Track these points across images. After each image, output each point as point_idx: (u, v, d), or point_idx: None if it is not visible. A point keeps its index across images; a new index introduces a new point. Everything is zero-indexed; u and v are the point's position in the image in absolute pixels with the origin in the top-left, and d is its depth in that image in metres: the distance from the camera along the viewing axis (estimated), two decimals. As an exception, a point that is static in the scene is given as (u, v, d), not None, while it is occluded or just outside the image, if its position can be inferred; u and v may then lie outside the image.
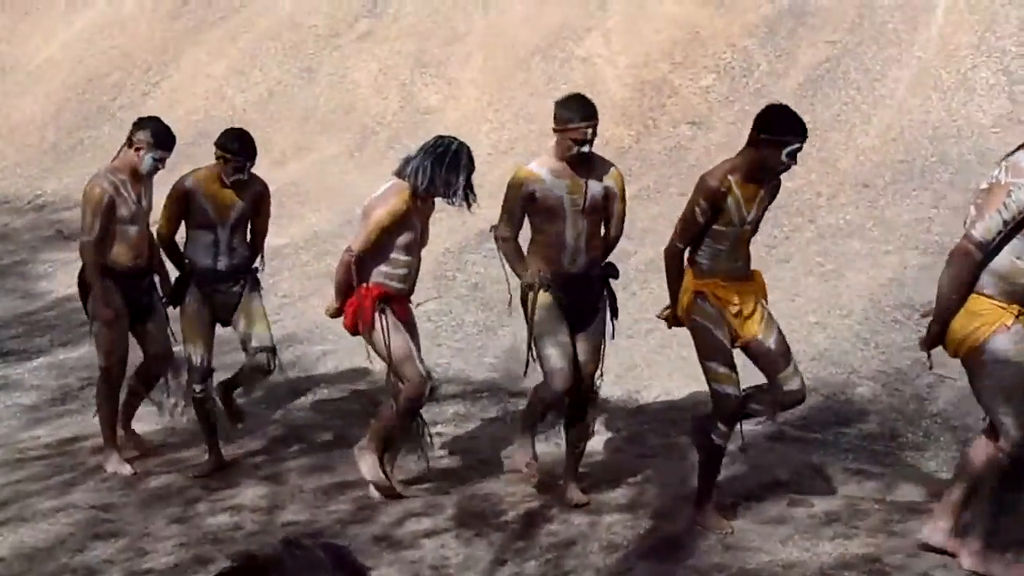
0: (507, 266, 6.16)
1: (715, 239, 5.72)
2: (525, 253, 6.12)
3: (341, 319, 6.35)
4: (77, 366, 8.89)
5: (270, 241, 11.27)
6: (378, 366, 6.53)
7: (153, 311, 6.86)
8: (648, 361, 8.05)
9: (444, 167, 6.01)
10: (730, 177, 5.66)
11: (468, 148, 6.13)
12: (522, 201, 5.97)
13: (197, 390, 6.67)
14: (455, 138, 6.21)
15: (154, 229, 6.85)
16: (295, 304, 9.89)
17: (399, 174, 6.12)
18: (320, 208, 11.85)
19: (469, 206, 6.17)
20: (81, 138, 15.24)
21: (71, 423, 7.70)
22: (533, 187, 5.94)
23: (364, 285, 6.09)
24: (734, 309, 5.75)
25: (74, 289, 10.99)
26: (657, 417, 7.44)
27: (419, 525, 5.85)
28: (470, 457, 6.96)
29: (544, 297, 6.00)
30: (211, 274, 6.66)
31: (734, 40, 11.94)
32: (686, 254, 5.84)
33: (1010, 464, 5.08)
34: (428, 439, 6.48)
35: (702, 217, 5.67)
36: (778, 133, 5.61)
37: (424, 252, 10.32)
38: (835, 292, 8.65)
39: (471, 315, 9.14)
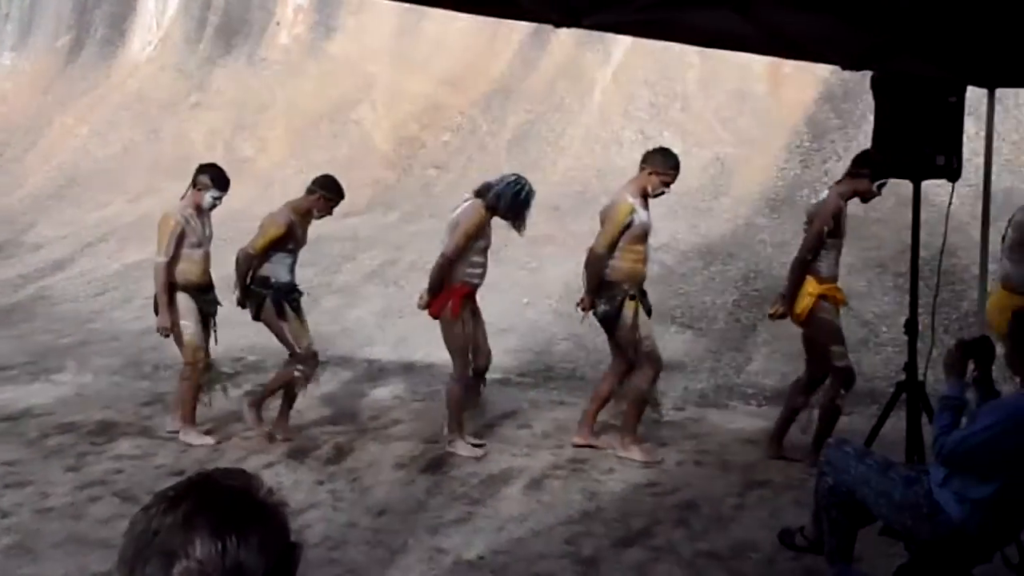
0: (590, 278, 5.60)
1: (829, 250, 5.37)
2: (601, 269, 5.56)
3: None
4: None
5: (133, 258, 10.75)
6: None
7: (211, 319, 6.15)
8: (416, 334, 8.01)
9: (519, 201, 5.57)
10: (842, 201, 5.33)
11: (534, 191, 5.69)
12: (624, 228, 5.46)
13: (301, 369, 5.95)
14: (527, 181, 5.68)
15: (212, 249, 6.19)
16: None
17: (478, 195, 5.62)
18: (168, 233, 11.31)
19: (521, 231, 5.74)
20: (-24, 183, 14.12)
21: (-21, 399, 7.11)
22: (633, 216, 5.47)
23: (454, 284, 5.59)
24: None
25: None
26: (423, 373, 7.42)
27: (259, 460, 5.63)
28: (295, 408, 6.77)
29: (635, 304, 5.55)
30: (289, 286, 6.00)
31: (463, 109, 12.02)
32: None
33: None
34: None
35: (827, 234, 5.28)
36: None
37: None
38: (539, 281, 8.81)
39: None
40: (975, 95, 4.76)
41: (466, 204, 5.69)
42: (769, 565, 4.26)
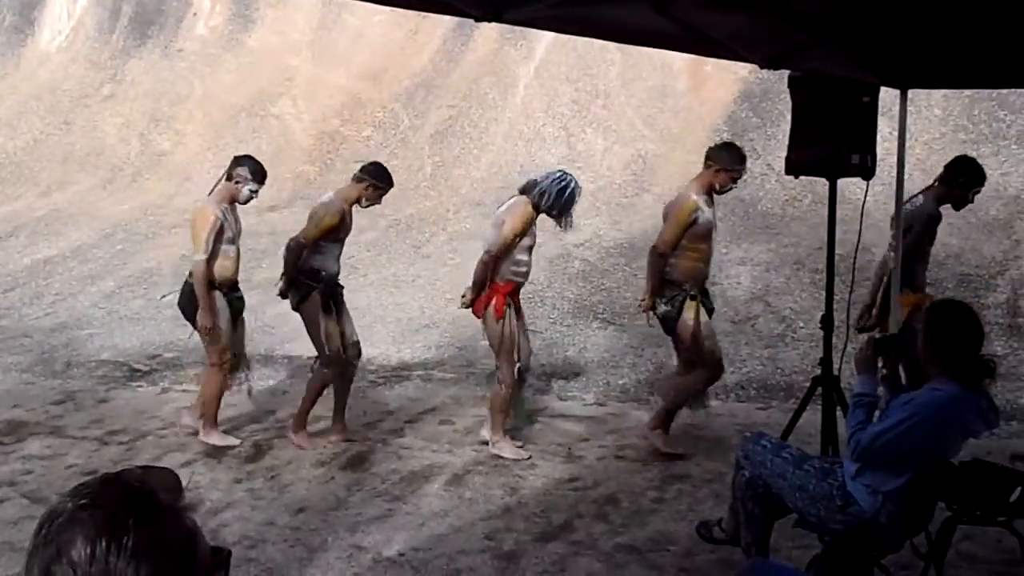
0: (651, 276, 5.43)
1: (925, 259, 5.23)
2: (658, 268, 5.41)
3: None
4: None
5: (43, 253, 10.43)
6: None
7: (240, 317, 5.88)
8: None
9: (565, 197, 5.35)
10: (937, 207, 5.19)
11: (580, 186, 5.47)
12: (687, 225, 5.32)
13: (332, 373, 5.76)
14: (573, 176, 5.46)
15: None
16: (66, 299, 9.16)
17: (524, 191, 5.43)
18: (80, 227, 11.01)
19: (566, 228, 5.58)
20: None
21: None
22: (697, 214, 5.33)
23: (497, 282, 5.42)
24: None
25: None
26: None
27: (175, 459, 5.51)
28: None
29: (696, 304, 5.42)
30: (335, 279, 5.74)
31: (385, 104, 11.93)
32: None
33: None
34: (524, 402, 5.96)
35: (926, 241, 5.14)
36: (974, 178, 5.28)
37: (164, 257, 9.87)
38: (462, 278, 8.66)
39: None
40: (888, 96, 4.86)
41: (511, 201, 5.53)
42: (687, 557, 4.31)
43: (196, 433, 5.87)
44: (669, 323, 5.49)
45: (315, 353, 5.86)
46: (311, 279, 5.67)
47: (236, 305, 5.82)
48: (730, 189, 5.55)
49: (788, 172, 4.74)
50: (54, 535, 1.16)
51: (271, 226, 10.29)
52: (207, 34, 13.92)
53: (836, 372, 4.71)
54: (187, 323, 5.81)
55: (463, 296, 5.64)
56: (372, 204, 5.85)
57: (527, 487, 5.15)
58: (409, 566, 4.25)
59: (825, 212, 4.78)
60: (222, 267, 5.65)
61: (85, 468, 5.38)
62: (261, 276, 9.25)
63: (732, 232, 9.06)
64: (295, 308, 5.79)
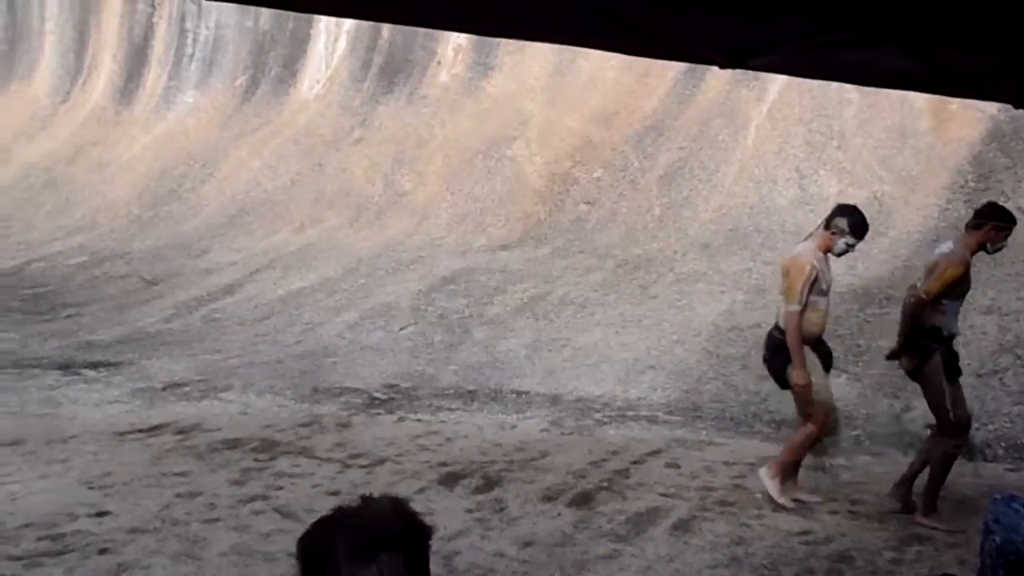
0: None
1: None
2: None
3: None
4: (159, 374, 8.68)
5: (295, 285, 11.18)
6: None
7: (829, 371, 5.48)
8: (564, 368, 8.01)
9: None
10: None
11: None
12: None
13: (955, 444, 5.18)
14: None
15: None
16: (314, 328, 9.75)
17: None
18: (328, 262, 11.72)
19: None
20: (157, 212, 15.03)
21: (155, 414, 7.49)
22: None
23: None
24: None
25: (146, 318, 10.87)
26: (571, 406, 7.39)
27: (410, 486, 5.73)
28: (440, 436, 6.86)
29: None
30: (952, 340, 5.23)
31: (615, 146, 12.02)
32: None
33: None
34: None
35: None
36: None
37: (402, 291, 10.35)
38: (688, 319, 8.67)
39: (439, 336, 9.05)
40: None
41: None
42: (929, 624, 4.04)
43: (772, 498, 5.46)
44: None
45: (934, 420, 5.34)
46: (932, 340, 5.15)
47: (825, 360, 5.42)
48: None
49: (1045, 216, 4.40)
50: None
51: (503, 264, 10.60)
52: (449, 81, 14.56)
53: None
54: (771, 379, 5.50)
55: None
56: (999, 247, 5.21)
57: (755, 537, 4.99)
58: (633, 608, 4.22)
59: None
60: (811, 319, 5.26)
61: (329, 488, 5.68)
62: (492, 312, 9.54)
63: (977, 279, 8.47)
64: (911, 372, 5.29)
